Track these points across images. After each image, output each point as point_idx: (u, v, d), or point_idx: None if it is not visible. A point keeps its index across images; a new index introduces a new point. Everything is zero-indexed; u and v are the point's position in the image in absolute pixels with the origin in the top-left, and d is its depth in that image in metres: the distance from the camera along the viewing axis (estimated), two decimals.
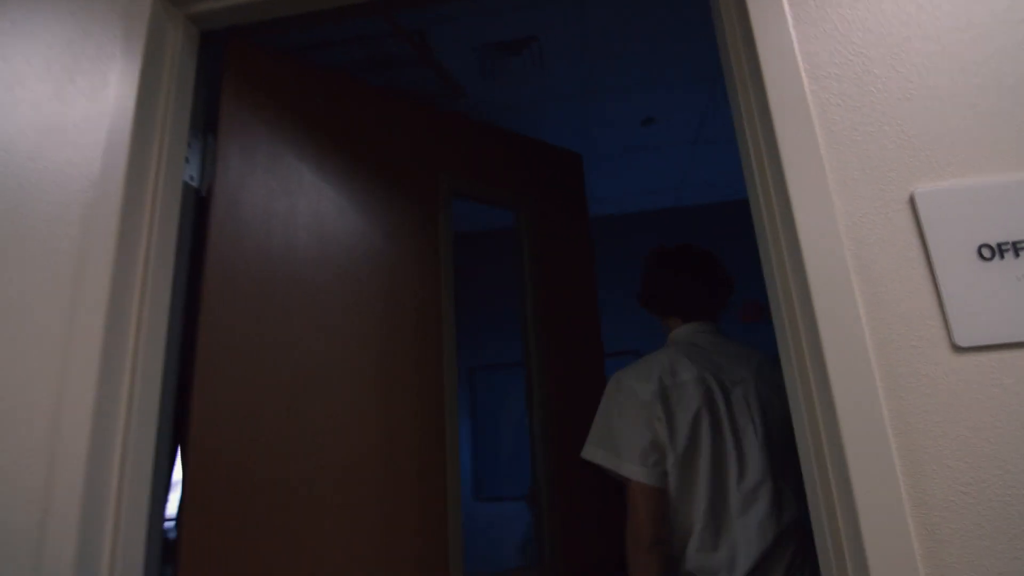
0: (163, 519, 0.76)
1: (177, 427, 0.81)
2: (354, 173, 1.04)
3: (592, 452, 0.97)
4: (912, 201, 0.65)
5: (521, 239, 1.20)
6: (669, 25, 1.48)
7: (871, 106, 0.69)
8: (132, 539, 0.67)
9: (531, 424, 1.12)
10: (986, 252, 0.62)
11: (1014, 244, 0.61)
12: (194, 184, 0.89)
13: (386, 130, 1.08)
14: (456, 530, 0.90)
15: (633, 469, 0.92)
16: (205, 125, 0.93)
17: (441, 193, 1.09)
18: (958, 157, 0.66)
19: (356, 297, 0.97)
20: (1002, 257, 0.61)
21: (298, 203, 0.98)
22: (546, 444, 1.11)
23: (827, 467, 0.61)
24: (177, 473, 0.86)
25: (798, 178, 0.67)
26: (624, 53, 1.58)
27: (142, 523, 0.69)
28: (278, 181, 0.97)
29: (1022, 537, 0.54)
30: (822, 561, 0.63)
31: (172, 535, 0.79)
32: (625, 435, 0.95)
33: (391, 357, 0.94)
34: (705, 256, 1.12)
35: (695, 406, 0.97)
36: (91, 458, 0.66)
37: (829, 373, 0.60)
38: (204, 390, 0.81)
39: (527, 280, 1.15)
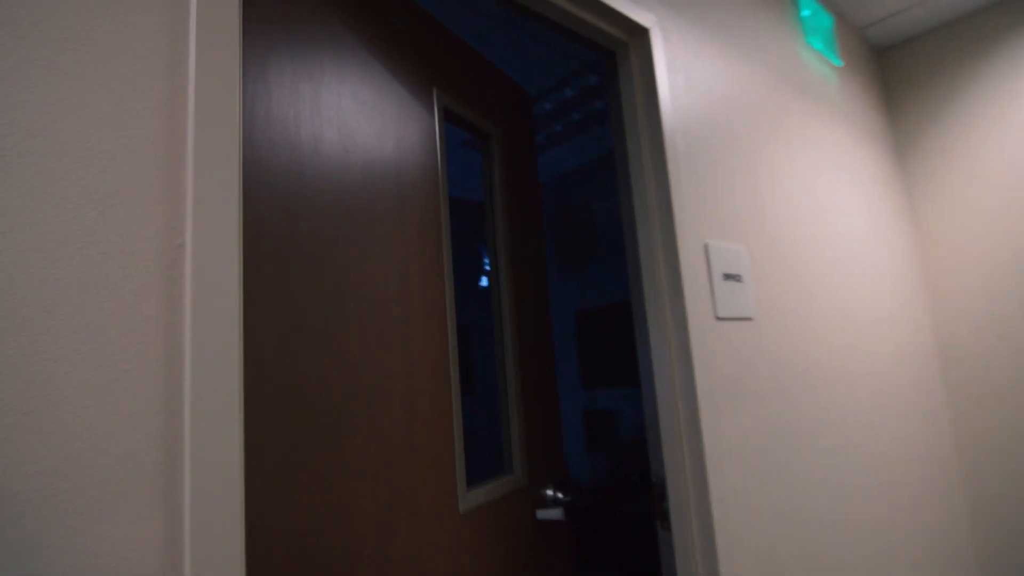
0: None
1: None
2: (366, 73, 0.98)
3: None
4: (706, 248, 1.38)
5: (493, 167, 1.29)
6: None
7: (695, 198, 1.40)
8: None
9: (497, 339, 1.24)
10: (727, 277, 1.39)
11: (733, 276, 1.41)
12: None
13: (392, 33, 1.03)
14: (460, 447, 1.02)
15: None
16: None
17: (438, 109, 1.11)
18: (722, 229, 1.42)
19: (374, 206, 0.95)
20: (729, 280, 1.39)
21: (321, 92, 0.89)
22: (514, 356, 1.27)
23: (677, 372, 1.26)
24: None
25: (680, 227, 1.31)
26: None
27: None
28: (302, 60, 0.87)
29: (745, 395, 1.31)
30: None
31: None
32: None
33: (406, 276, 0.97)
34: None
35: None
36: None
37: (690, 335, 1.26)
38: (250, 299, 0.76)
39: (497, 202, 1.27)
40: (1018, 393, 2.35)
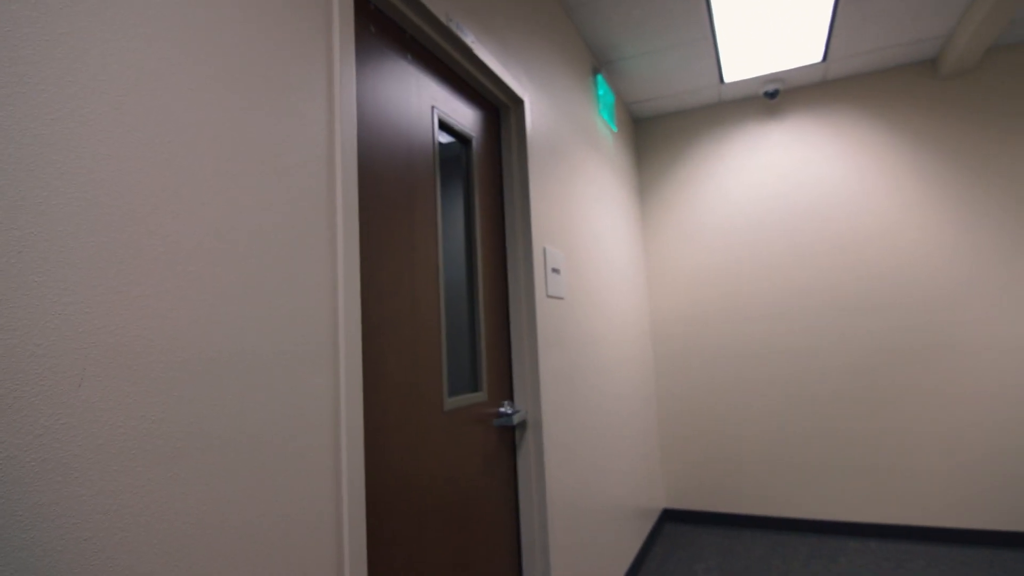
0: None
1: None
2: (408, 97, 1.41)
3: None
4: (544, 250, 2.12)
5: (472, 164, 1.75)
6: None
7: (538, 213, 2.13)
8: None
9: (470, 293, 1.69)
10: (554, 270, 2.16)
11: (556, 270, 2.18)
12: None
13: (406, 65, 1.48)
14: (445, 367, 1.50)
15: None
16: None
17: (434, 119, 1.56)
18: (552, 238, 2.18)
19: (403, 184, 1.36)
20: (554, 272, 2.17)
21: (383, 109, 1.39)
22: (481, 306, 1.67)
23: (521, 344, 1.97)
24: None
25: (533, 235, 2.02)
26: None
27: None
28: (380, 80, 1.36)
29: (558, 344, 2.08)
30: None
31: None
32: None
33: (412, 241, 1.36)
34: None
35: None
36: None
37: (536, 306, 1.97)
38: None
39: (474, 190, 1.83)
40: (693, 360, 3.67)
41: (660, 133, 3.88)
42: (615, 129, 3.28)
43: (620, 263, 3.18)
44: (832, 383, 3.37)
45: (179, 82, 0.82)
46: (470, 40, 1.66)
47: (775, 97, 3.51)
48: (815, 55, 3.17)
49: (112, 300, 0.71)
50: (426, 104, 1.57)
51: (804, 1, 2.65)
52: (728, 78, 3.38)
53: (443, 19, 1.53)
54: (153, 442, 0.74)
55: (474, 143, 1.83)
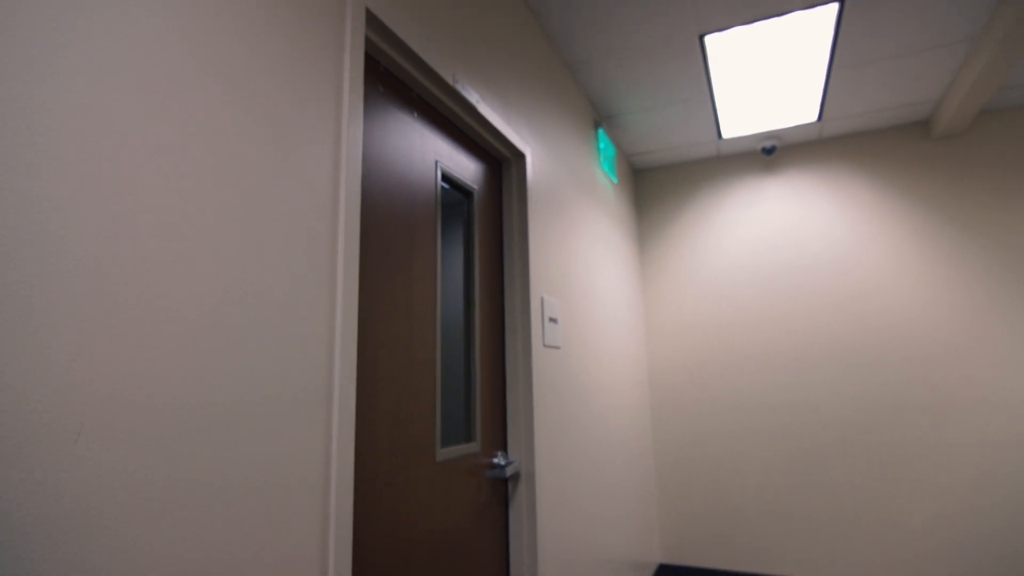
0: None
1: None
2: (411, 153, 1.54)
3: None
4: (542, 300, 2.14)
5: (473, 215, 1.79)
6: None
7: (537, 263, 2.16)
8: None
9: (467, 342, 1.67)
10: (551, 320, 2.18)
11: (554, 319, 2.20)
12: None
13: (412, 121, 1.63)
14: (439, 418, 1.53)
15: None
16: None
17: (437, 172, 1.63)
18: (550, 288, 2.21)
19: (405, 230, 1.43)
20: (551, 321, 2.18)
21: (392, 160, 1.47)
22: (477, 356, 1.84)
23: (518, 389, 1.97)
24: None
25: (531, 285, 2.04)
26: None
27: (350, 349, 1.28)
28: (388, 130, 1.43)
29: (554, 391, 2.08)
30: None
31: None
32: None
33: (410, 288, 1.39)
34: None
35: None
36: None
37: (532, 356, 1.99)
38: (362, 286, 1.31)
39: (475, 242, 1.86)
40: (690, 409, 3.65)
41: (660, 184, 3.96)
42: (615, 180, 3.35)
43: (618, 311, 3.20)
44: (828, 436, 3.34)
45: (191, 144, 0.86)
46: (474, 99, 1.72)
47: (772, 153, 3.59)
48: (810, 115, 3.26)
49: (109, 355, 0.73)
50: (430, 158, 1.62)
51: (799, 64, 2.75)
52: (726, 134, 3.47)
53: (449, 80, 1.60)
54: (147, 494, 0.74)
55: (476, 195, 1.88)
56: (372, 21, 1.33)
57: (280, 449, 0.96)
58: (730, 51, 2.63)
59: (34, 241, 0.66)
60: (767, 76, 2.85)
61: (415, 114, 1.57)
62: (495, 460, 1.82)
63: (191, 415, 0.82)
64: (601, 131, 3.08)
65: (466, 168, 1.84)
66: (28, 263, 0.65)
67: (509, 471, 1.77)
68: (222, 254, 0.89)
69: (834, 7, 2.36)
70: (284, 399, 0.98)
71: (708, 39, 2.55)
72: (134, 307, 0.76)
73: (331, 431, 1.08)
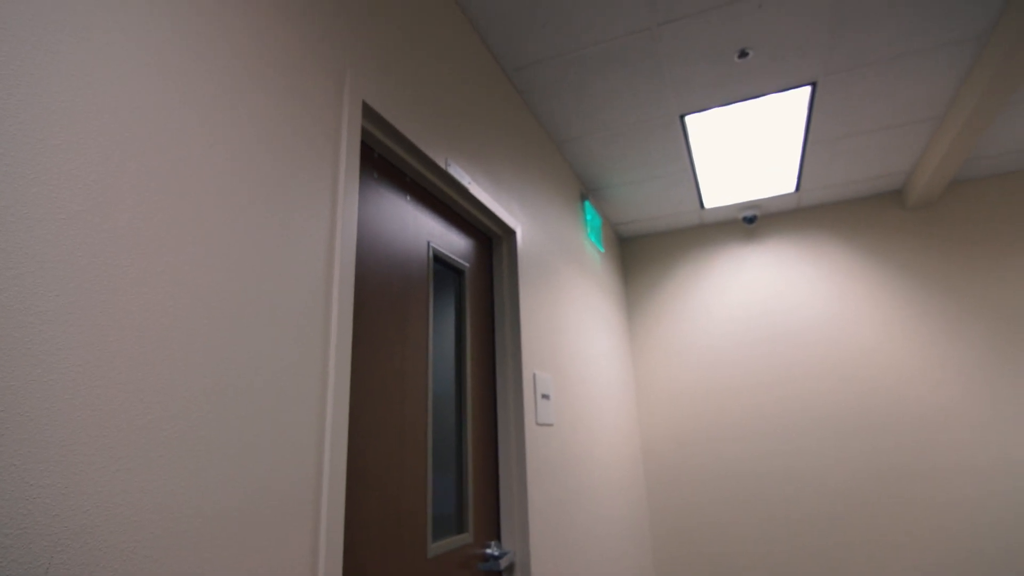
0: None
1: None
2: (404, 233, 1.56)
3: None
4: (534, 376, 2.11)
5: (464, 293, 1.77)
6: None
7: (528, 339, 2.14)
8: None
9: (459, 426, 1.65)
10: (543, 396, 2.13)
11: (546, 395, 2.16)
12: None
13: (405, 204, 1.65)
14: (430, 511, 1.48)
15: None
16: None
17: (429, 253, 1.62)
18: (542, 363, 2.18)
19: (396, 310, 1.45)
20: (544, 398, 2.14)
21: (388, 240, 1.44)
22: (469, 442, 1.78)
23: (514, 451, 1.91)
24: None
25: (524, 362, 2.01)
26: None
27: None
28: (388, 204, 1.40)
29: (548, 471, 2.01)
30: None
31: None
32: None
33: (402, 372, 1.35)
34: None
35: None
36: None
37: (525, 434, 1.93)
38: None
39: (465, 320, 1.82)
40: (683, 478, 3.55)
41: (646, 252, 4.01)
42: (602, 250, 3.39)
43: (609, 382, 3.16)
44: (821, 504, 3.26)
45: (192, 220, 0.85)
46: (466, 181, 1.75)
47: (753, 222, 3.68)
48: (788, 186, 3.37)
49: (87, 474, 0.68)
50: (423, 239, 1.62)
51: (776, 139, 2.86)
52: (708, 204, 3.56)
53: (442, 164, 1.62)
54: None
55: (467, 273, 1.87)
56: (368, 112, 1.36)
57: (265, 561, 0.90)
58: (710, 128, 2.74)
59: (24, 350, 0.62)
60: (746, 150, 2.95)
61: (408, 197, 1.59)
62: (488, 551, 1.73)
63: (170, 532, 0.76)
64: (588, 203, 3.14)
65: (458, 246, 1.85)
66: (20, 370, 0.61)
67: (503, 563, 1.68)
68: (213, 344, 0.86)
69: (807, 89, 2.48)
70: (271, 504, 0.93)
71: (688, 118, 2.65)
72: (117, 413, 0.72)
73: (318, 541, 1.01)
